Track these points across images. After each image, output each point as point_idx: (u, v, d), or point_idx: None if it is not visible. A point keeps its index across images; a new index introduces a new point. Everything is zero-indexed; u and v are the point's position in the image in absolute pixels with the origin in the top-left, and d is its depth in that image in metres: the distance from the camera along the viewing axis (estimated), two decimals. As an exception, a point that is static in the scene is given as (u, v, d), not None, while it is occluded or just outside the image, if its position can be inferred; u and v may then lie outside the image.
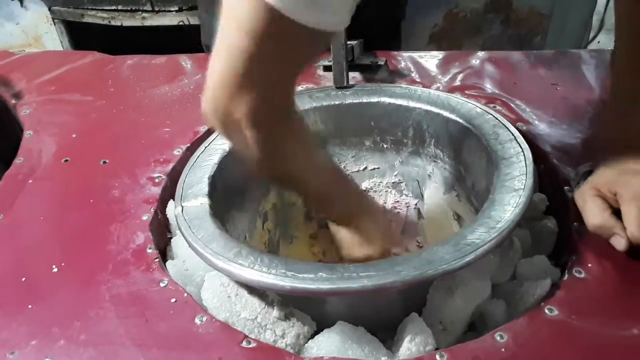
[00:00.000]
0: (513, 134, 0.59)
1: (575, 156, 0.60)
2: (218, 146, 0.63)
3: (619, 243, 0.47)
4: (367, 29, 0.83)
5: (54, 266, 0.52)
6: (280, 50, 0.40)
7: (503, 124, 0.61)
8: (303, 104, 0.69)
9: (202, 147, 0.63)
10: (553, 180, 0.59)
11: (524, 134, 0.63)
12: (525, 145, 0.56)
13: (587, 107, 0.70)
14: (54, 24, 1.56)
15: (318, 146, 0.54)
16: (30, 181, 0.64)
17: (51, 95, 0.81)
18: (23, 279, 0.52)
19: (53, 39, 1.60)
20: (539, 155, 0.61)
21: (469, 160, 0.65)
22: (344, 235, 0.54)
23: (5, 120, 0.83)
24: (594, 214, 0.49)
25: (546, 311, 0.45)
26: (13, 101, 0.81)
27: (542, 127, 0.66)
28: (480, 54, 0.84)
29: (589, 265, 0.48)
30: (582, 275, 0.47)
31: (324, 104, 0.70)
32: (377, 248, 0.53)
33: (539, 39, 1.56)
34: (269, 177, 0.55)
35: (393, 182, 0.76)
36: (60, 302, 0.49)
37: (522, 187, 0.50)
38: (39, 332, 0.46)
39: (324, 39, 0.44)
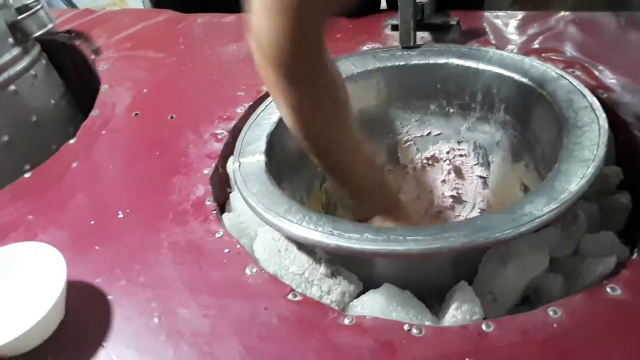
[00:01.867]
0: (589, 101, 0.54)
1: (660, 128, 0.55)
2: (278, 104, 0.63)
3: None
4: None
5: (120, 212, 0.56)
6: None
7: (579, 90, 0.56)
8: (367, 64, 0.68)
9: (262, 106, 0.64)
10: (632, 153, 0.54)
11: (604, 102, 0.58)
12: (601, 113, 0.52)
13: (681, 75, 0.63)
14: (137, -16, 1.62)
15: (354, 127, 0.51)
16: (104, 132, 0.68)
17: (127, 52, 0.85)
18: (92, 222, 0.55)
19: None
20: (619, 126, 0.57)
21: (539, 128, 0.61)
22: None
23: (87, 74, 0.88)
24: None
25: (608, 290, 0.42)
26: (93, 57, 0.85)
27: (626, 95, 0.61)
28: (563, 14, 0.78)
29: (663, 245, 0.44)
30: (654, 256, 0.44)
31: (388, 64, 0.68)
32: None
33: (638, 1, 1.42)
34: (298, 134, 0.51)
35: (459, 149, 0.73)
36: (123, 245, 0.52)
37: (592, 157, 0.46)
38: (103, 272, 0.50)
39: None
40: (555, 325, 0.40)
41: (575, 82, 0.58)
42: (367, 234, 0.43)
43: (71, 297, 0.46)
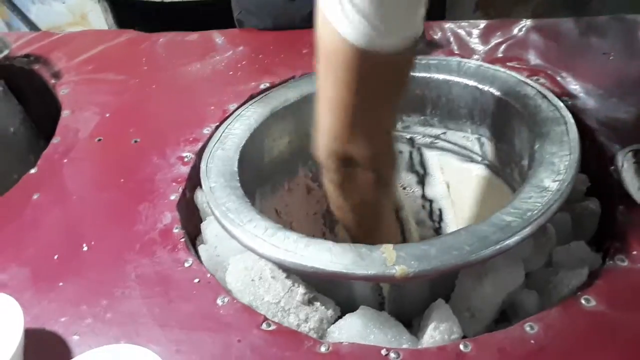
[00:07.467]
0: (558, 108, 0.54)
1: (625, 133, 0.56)
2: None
3: None
4: None
5: (84, 245, 0.54)
6: (378, 88, 0.41)
7: (547, 98, 0.56)
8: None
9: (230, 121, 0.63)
10: (598, 159, 0.55)
11: (569, 109, 0.58)
12: (572, 126, 0.52)
13: (642, 79, 0.64)
14: (99, 2, 1.59)
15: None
16: (66, 160, 0.66)
17: (88, 75, 0.82)
18: (55, 256, 0.53)
19: (98, 17, 1.63)
20: (584, 132, 0.57)
21: (512, 139, 0.61)
22: None
23: (47, 99, 0.85)
24: None
25: (582, 301, 0.42)
26: (53, 81, 0.83)
27: (589, 101, 0.61)
28: (525, 22, 0.79)
29: (634, 252, 0.44)
30: (625, 264, 0.44)
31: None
32: None
33: (597, 3, 1.45)
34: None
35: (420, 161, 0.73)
36: (88, 280, 0.50)
37: (565, 170, 0.46)
38: (68, 310, 0.48)
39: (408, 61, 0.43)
40: (532, 342, 0.40)
41: (545, 92, 0.58)
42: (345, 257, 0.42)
43: (33, 342, 0.44)
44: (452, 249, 0.41)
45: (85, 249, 0.53)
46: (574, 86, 0.64)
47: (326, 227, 0.74)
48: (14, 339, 0.41)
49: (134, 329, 0.45)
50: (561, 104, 0.55)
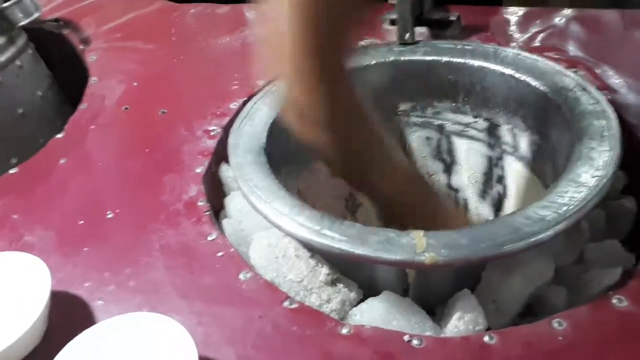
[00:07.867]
0: (599, 102, 0.53)
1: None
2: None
3: None
4: None
5: (109, 212, 0.54)
6: None
7: (587, 90, 0.55)
8: (362, 59, 0.66)
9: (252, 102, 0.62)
10: (636, 156, 0.53)
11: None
12: (615, 122, 0.50)
13: (687, 76, 0.62)
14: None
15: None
16: (92, 127, 0.66)
17: (117, 43, 0.82)
18: (81, 222, 0.53)
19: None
20: (624, 128, 0.55)
21: (549, 132, 0.59)
22: None
23: (76, 65, 0.85)
24: None
25: (614, 301, 0.40)
26: (81, 47, 0.83)
27: (629, 96, 0.59)
28: (567, 11, 0.76)
29: (670, 254, 0.43)
30: (661, 265, 0.43)
31: (383, 60, 0.66)
32: None
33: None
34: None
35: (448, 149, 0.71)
36: (113, 247, 0.50)
37: (604, 166, 0.45)
38: (92, 275, 0.48)
39: None
40: (560, 338, 0.39)
41: (585, 84, 0.56)
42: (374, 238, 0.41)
43: (58, 305, 0.44)
44: (483, 239, 0.40)
45: (109, 216, 0.54)
46: (614, 80, 0.62)
47: (348, 211, 0.73)
48: (41, 300, 0.41)
49: (157, 299, 0.45)
50: (602, 98, 0.53)
